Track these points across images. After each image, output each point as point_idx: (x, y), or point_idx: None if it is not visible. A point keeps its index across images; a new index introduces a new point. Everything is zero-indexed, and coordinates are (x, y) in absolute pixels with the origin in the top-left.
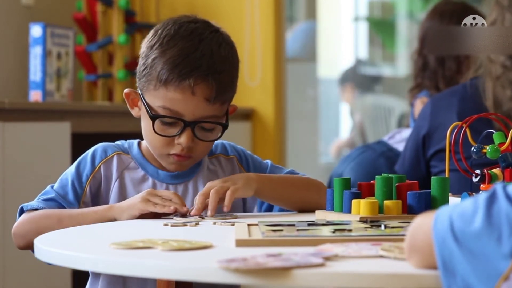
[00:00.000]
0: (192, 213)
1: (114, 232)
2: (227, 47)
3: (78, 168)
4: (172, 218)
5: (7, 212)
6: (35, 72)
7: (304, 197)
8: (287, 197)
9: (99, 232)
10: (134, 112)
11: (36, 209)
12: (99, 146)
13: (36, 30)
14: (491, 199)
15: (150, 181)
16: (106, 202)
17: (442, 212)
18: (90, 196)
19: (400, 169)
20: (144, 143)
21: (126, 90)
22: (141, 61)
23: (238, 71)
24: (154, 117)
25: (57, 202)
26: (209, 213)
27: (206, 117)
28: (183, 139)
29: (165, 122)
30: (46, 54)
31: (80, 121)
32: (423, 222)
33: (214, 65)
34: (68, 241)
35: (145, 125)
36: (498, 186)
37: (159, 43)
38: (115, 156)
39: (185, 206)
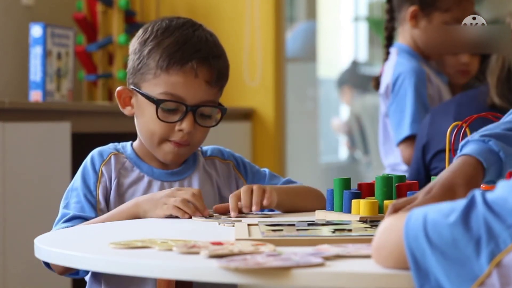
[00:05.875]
0: (232, 215)
1: (113, 232)
2: (216, 38)
3: (84, 179)
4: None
5: (7, 212)
6: (35, 72)
7: (313, 206)
8: (301, 207)
9: (99, 232)
10: (127, 111)
11: None
12: (93, 152)
13: (36, 30)
14: (469, 205)
15: (145, 179)
16: (113, 203)
17: (416, 212)
18: (103, 202)
19: None
20: (136, 144)
21: (118, 88)
22: (133, 58)
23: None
24: (158, 101)
25: (79, 218)
26: (254, 208)
27: (206, 101)
28: (185, 124)
29: (167, 109)
30: (46, 54)
31: (80, 121)
32: (395, 222)
33: (212, 49)
34: (68, 241)
35: (142, 120)
36: (476, 192)
37: (153, 36)
38: (112, 157)
39: (205, 208)
